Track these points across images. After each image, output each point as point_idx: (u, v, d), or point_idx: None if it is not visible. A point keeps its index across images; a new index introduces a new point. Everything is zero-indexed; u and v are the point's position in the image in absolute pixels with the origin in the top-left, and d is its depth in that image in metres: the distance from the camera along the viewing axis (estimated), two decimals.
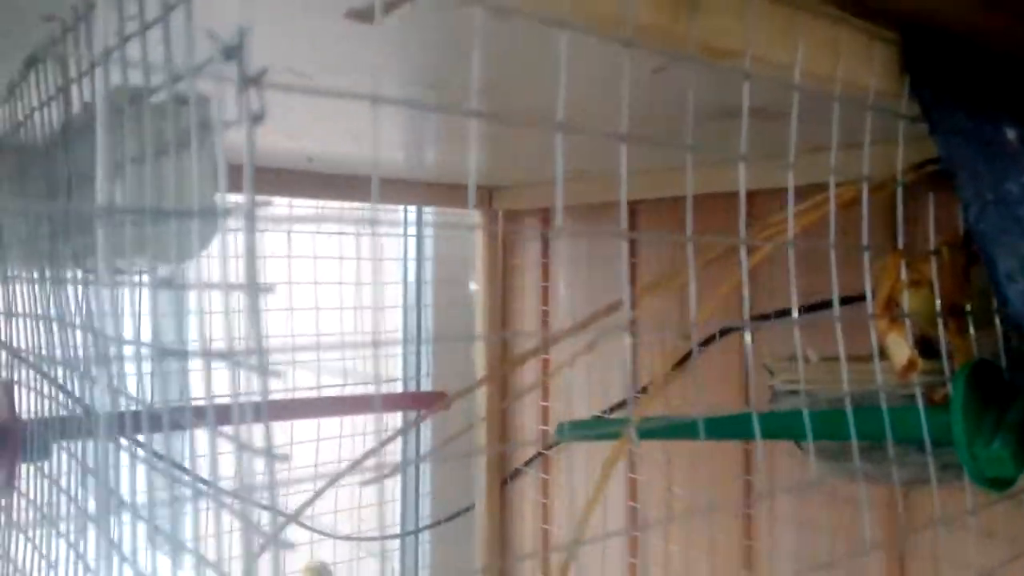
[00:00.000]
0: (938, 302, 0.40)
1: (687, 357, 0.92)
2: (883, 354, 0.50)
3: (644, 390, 0.97)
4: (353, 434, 1.09)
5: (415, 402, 0.75)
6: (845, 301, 0.37)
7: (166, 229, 0.33)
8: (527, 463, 1.13)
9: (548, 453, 1.11)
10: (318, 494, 0.57)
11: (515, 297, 1.15)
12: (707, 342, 0.90)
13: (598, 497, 0.35)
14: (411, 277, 1.21)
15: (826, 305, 0.37)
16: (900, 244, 0.39)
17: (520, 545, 1.15)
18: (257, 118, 0.19)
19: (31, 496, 0.51)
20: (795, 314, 0.36)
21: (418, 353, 1.21)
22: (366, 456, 0.57)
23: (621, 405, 0.99)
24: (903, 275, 0.39)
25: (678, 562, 0.95)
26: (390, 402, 0.74)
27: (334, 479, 0.49)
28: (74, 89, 0.37)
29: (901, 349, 0.38)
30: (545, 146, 0.78)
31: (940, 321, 0.40)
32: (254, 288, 0.22)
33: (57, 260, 0.41)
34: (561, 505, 1.08)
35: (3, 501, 0.51)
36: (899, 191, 0.39)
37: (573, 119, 0.24)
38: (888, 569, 0.75)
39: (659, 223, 0.97)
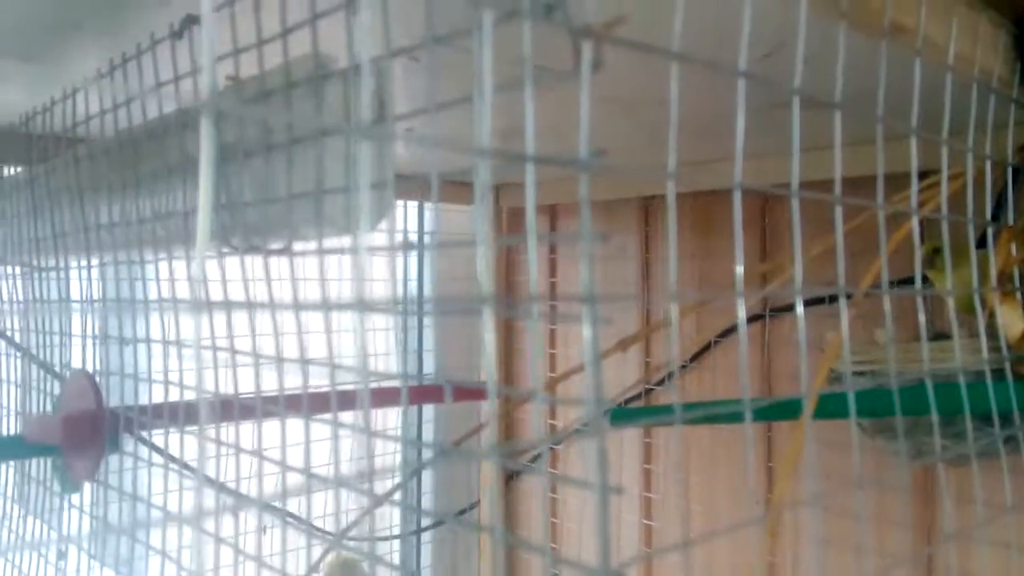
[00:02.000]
0: None
1: (706, 348, 0.94)
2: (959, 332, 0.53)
3: (660, 383, 0.99)
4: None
5: (454, 395, 0.75)
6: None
7: (341, 202, 0.33)
8: (534, 459, 1.14)
9: (557, 448, 1.12)
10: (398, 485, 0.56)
11: (520, 293, 1.16)
12: (726, 333, 0.92)
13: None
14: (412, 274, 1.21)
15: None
16: (1010, 221, 0.42)
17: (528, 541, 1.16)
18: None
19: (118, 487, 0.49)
20: (885, 290, 0.38)
21: (420, 350, 1.21)
22: (468, 436, 0.56)
23: (636, 397, 1.01)
24: (1014, 251, 0.41)
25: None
26: (425, 394, 0.73)
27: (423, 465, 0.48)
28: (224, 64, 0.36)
29: (1015, 320, 0.40)
30: (560, 140, 0.78)
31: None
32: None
33: (182, 241, 0.40)
34: (572, 500, 1.09)
35: (90, 492, 0.49)
36: (1008, 172, 0.41)
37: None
38: None
39: (680, 223, 0.99)
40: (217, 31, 0.28)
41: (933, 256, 0.56)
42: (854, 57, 0.35)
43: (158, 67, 0.40)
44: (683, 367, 0.97)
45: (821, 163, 0.46)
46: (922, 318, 0.33)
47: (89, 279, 0.51)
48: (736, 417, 0.31)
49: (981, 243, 0.59)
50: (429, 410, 1.20)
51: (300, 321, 0.35)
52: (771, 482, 0.89)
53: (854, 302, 0.35)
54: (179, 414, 0.41)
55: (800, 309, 0.27)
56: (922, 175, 0.40)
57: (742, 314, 0.25)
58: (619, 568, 0.21)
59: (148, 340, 0.44)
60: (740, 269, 0.25)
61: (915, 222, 0.32)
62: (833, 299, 0.81)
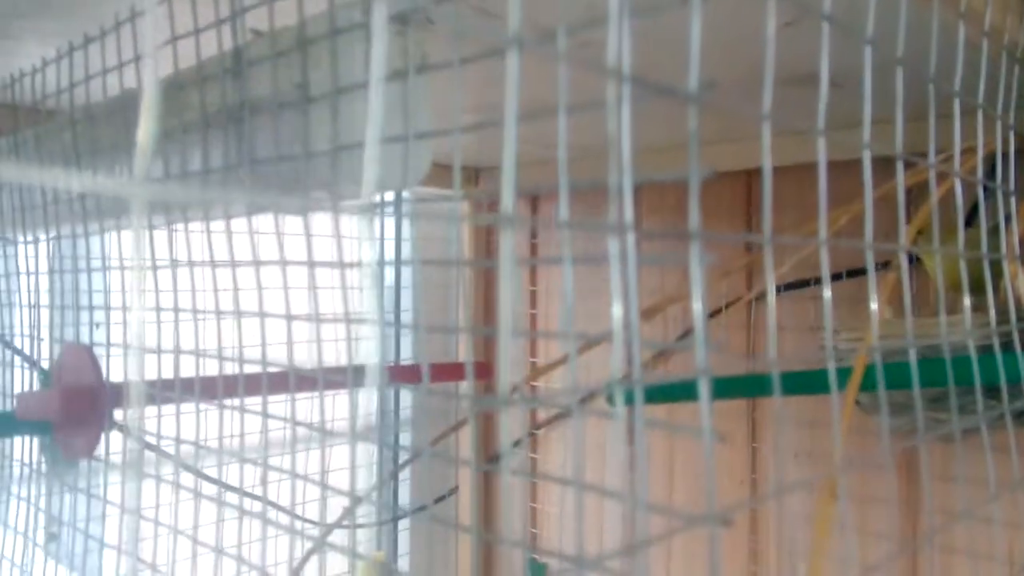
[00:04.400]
0: None
1: (690, 331, 0.94)
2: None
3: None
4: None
5: (462, 373, 0.74)
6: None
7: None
8: (514, 444, 1.13)
9: (537, 433, 1.11)
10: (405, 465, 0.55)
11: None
12: (713, 315, 0.92)
13: None
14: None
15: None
16: None
17: (508, 527, 1.15)
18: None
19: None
20: (936, 249, 0.39)
21: (397, 335, 1.19)
22: (484, 404, 0.55)
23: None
24: None
25: (679, 562, 0.96)
26: (436, 373, 0.72)
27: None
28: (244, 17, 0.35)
29: None
30: (536, 123, 0.77)
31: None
32: None
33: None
34: (554, 485, 1.09)
35: (84, 468, 0.48)
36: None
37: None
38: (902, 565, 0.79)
39: (661, 204, 0.99)
40: None
41: (917, 238, 0.57)
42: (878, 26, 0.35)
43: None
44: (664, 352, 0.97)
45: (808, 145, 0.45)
46: (941, 291, 0.33)
47: (73, 251, 0.49)
48: (765, 389, 0.30)
49: (970, 221, 0.60)
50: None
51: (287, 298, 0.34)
52: (755, 462, 0.90)
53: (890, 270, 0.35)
54: (195, 388, 0.40)
55: (826, 272, 0.26)
56: (907, 165, 0.40)
57: (770, 276, 0.24)
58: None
59: (158, 308, 0.42)
60: (768, 227, 0.24)
61: (957, 184, 0.32)
62: (818, 281, 0.80)
